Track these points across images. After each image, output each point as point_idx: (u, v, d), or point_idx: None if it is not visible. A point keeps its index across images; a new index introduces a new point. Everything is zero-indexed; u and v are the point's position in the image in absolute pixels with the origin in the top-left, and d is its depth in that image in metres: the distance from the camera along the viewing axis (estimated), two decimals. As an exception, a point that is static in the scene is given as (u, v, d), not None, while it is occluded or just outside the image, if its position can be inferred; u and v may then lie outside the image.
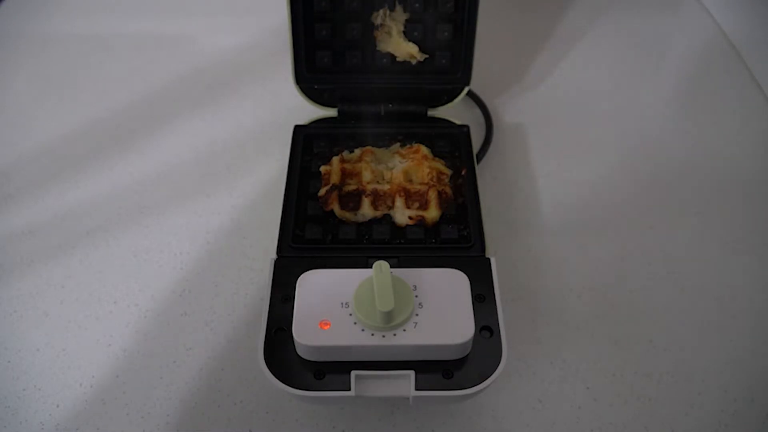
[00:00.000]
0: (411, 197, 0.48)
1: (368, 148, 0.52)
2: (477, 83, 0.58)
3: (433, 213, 0.47)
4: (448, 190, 0.49)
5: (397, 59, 0.55)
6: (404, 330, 0.38)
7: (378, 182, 0.49)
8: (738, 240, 0.53)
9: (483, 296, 0.42)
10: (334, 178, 0.49)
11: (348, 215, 0.47)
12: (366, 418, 0.43)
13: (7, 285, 0.50)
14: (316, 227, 0.46)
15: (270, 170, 0.58)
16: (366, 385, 0.39)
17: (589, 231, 0.54)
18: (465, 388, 0.38)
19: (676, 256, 0.52)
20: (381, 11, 0.53)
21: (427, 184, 0.48)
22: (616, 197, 0.57)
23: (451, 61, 0.55)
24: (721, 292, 0.50)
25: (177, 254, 0.52)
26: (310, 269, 0.42)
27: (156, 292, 0.50)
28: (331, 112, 0.56)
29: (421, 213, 0.47)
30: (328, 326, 0.39)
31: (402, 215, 0.47)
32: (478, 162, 0.57)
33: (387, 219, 0.47)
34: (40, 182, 0.58)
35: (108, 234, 0.54)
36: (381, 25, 0.54)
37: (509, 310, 0.48)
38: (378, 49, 0.55)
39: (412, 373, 0.38)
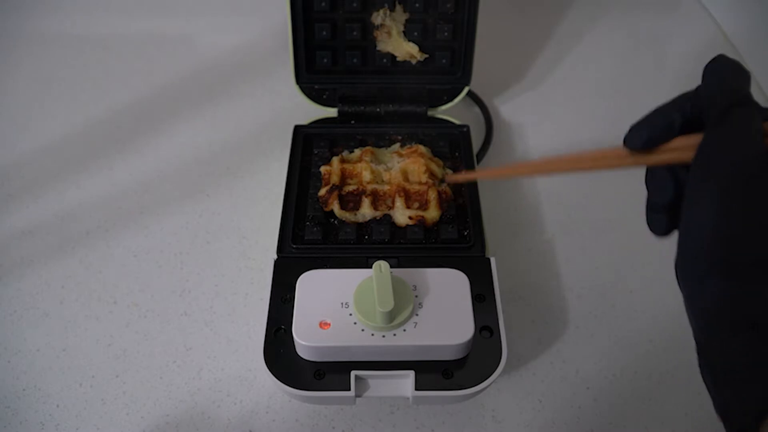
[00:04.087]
0: (411, 197, 0.48)
1: (368, 148, 0.52)
2: (477, 83, 0.58)
3: (432, 213, 0.47)
4: (448, 190, 0.49)
5: (397, 59, 0.55)
6: (404, 330, 0.38)
7: (378, 182, 0.49)
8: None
9: (483, 296, 0.42)
10: (334, 178, 0.49)
11: (348, 215, 0.47)
12: (366, 418, 0.43)
13: (7, 285, 0.50)
14: (316, 227, 0.46)
15: (270, 170, 0.58)
16: (366, 385, 0.39)
17: (589, 231, 0.54)
18: (465, 388, 0.38)
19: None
20: (381, 11, 0.53)
21: (426, 183, 0.48)
22: (616, 197, 0.57)
23: (451, 61, 0.55)
24: (721, 292, 0.50)
25: (177, 254, 0.52)
26: (310, 269, 0.42)
27: (156, 292, 0.50)
28: (331, 112, 0.56)
29: (421, 213, 0.46)
30: (328, 326, 0.39)
31: (402, 215, 0.47)
32: (478, 162, 0.57)
33: (387, 219, 0.47)
34: (40, 182, 0.58)
35: (108, 234, 0.54)
36: (381, 25, 0.54)
37: (509, 310, 0.48)
38: (378, 49, 0.55)
39: (412, 373, 0.38)
